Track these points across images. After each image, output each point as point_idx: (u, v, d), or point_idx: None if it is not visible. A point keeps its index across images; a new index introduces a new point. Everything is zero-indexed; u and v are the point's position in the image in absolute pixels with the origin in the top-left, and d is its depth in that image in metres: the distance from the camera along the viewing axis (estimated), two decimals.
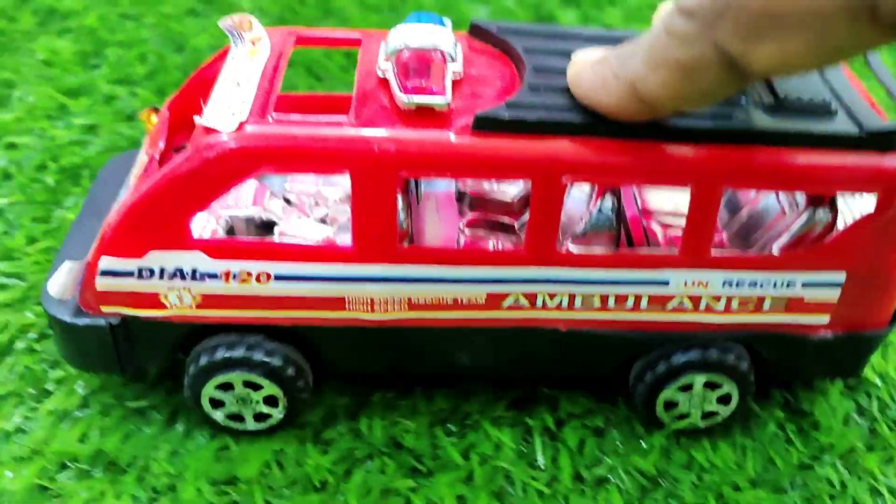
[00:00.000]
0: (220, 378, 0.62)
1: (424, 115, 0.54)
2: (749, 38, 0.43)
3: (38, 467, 0.63)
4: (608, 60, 0.51)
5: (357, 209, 0.55)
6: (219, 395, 0.63)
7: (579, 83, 0.53)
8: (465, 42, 0.63)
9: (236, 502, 0.62)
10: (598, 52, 0.53)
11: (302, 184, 0.70)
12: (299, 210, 0.68)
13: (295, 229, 0.66)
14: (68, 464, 0.64)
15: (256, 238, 0.64)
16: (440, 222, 0.68)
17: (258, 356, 0.61)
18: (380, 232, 0.56)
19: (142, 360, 0.64)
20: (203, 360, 0.62)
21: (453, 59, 0.58)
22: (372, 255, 0.57)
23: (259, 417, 0.65)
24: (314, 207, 0.68)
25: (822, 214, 0.58)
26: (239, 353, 0.61)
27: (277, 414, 0.64)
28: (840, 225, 0.60)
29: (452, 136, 0.54)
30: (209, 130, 0.54)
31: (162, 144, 0.66)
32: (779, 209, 0.62)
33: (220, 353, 0.61)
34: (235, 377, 0.62)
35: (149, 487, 0.62)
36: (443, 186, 0.72)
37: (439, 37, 0.58)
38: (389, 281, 0.58)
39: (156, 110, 0.73)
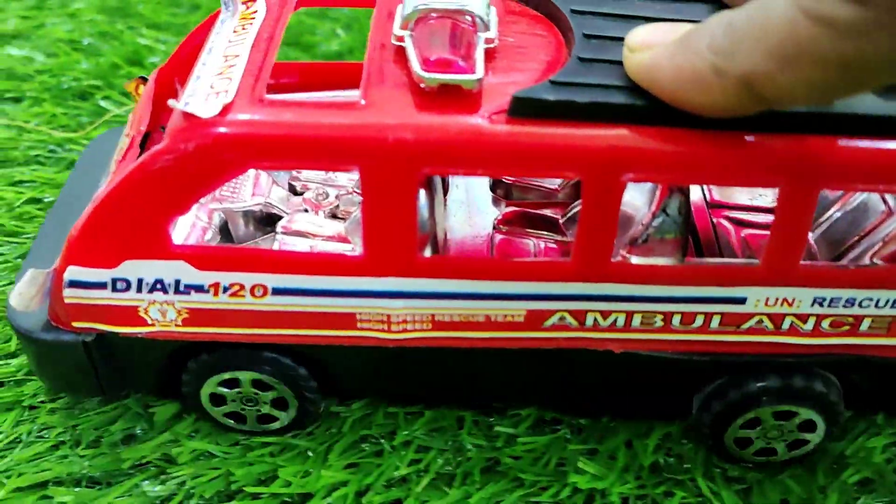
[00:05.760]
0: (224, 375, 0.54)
1: (450, 97, 0.44)
2: None
3: None
4: (696, 49, 0.39)
5: (369, 213, 0.46)
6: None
7: (655, 79, 0.41)
8: (501, 2, 0.52)
9: None
10: (667, 33, 0.41)
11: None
12: (306, 201, 0.58)
13: (301, 225, 0.56)
14: None
15: (251, 245, 0.55)
16: (470, 217, 0.58)
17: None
18: (396, 240, 0.46)
19: (127, 384, 0.56)
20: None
21: (486, 26, 0.47)
22: (387, 268, 0.47)
23: (264, 419, 0.57)
24: (323, 197, 0.58)
25: None
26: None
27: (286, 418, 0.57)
28: None
29: (484, 123, 0.43)
30: (188, 116, 0.45)
31: (143, 126, 0.56)
32: (883, 209, 0.51)
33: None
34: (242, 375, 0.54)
35: None
36: None
37: None
38: (408, 296, 0.48)
39: (144, 81, 0.64)
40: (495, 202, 0.59)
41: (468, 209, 0.59)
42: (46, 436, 0.58)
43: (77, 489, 0.55)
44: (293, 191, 0.59)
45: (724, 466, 0.57)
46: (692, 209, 0.56)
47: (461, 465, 0.56)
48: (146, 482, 0.55)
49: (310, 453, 0.56)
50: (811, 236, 0.55)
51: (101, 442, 0.57)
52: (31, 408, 0.59)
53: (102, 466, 0.56)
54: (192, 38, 0.60)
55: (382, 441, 0.57)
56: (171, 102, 0.45)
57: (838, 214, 0.54)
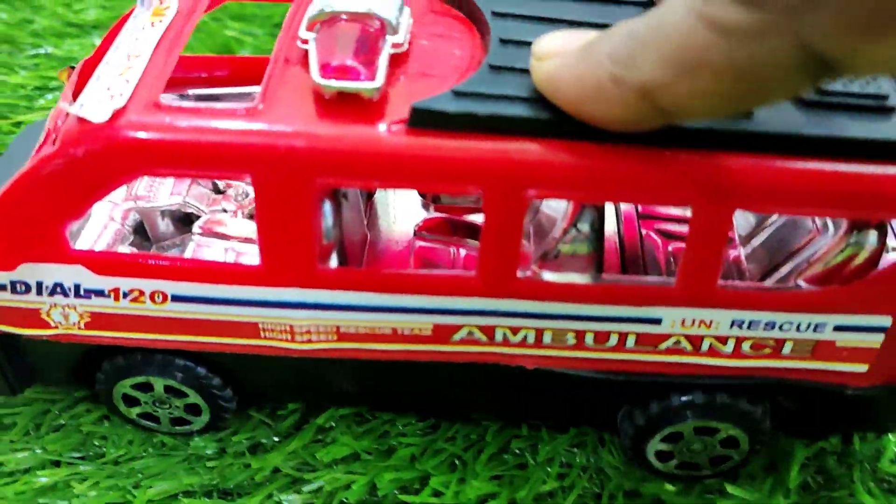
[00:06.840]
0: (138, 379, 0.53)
1: (349, 105, 0.42)
2: (865, 32, 0.30)
3: None
4: (597, 59, 0.37)
5: (263, 223, 0.44)
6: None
7: (558, 89, 0.39)
8: (426, 2, 0.50)
9: None
10: (573, 41, 0.39)
11: None
12: (226, 199, 0.56)
13: (218, 226, 0.55)
14: None
15: (168, 245, 0.54)
16: (394, 222, 0.57)
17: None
18: (294, 251, 0.45)
19: (38, 381, 0.55)
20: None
21: (394, 30, 0.45)
22: (286, 278, 0.46)
23: (178, 422, 0.56)
24: (244, 196, 0.56)
25: (867, 241, 0.45)
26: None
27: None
28: (891, 255, 0.46)
29: (382, 134, 0.41)
30: (80, 120, 0.43)
31: (60, 120, 0.55)
32: (811, 228, 0.48)
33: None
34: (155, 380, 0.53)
35: None
36: None
37: None
38: (310, 307, 0.47)
39: (74, 69, 0.62)
40: (424, 205, 0.57)
41: (393, 212, 0.57)
42: (168, 444, 0.56)
43: (209, 500, 0.54)
44: (216, 189, 0.58)
45: (885, 478, 0.55)
46: (622, 220, 0.55)
47: (606, 486, 0.55)
48: (280, 492, 0.54)
49: (456, 462, 0.55)
50: (744, 251, 0.53)
51: (225, 452, 0.56)
52: None
53: (232, 477, 0.54)
54: (115, 30, 0.58)
55: (526, 454, 0.56)
56: (62, 105, 0.44)
57: (777, 226, 0.52)
